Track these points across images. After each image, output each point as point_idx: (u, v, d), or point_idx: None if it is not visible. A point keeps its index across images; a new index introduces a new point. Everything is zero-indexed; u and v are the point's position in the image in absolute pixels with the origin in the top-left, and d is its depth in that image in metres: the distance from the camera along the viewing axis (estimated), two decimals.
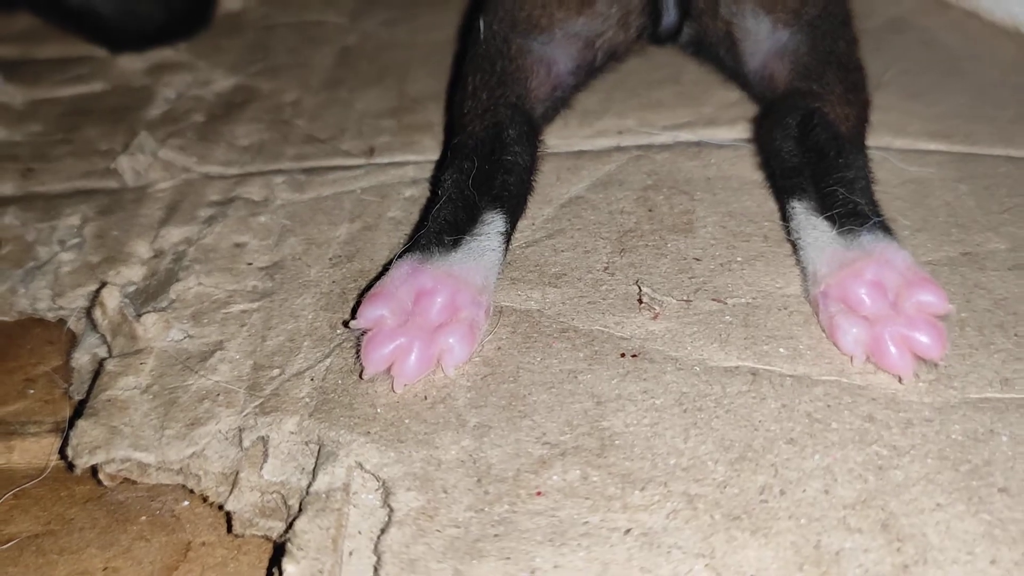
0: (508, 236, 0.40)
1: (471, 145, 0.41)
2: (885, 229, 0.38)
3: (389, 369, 0.36)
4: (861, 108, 0.44)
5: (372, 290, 0.37)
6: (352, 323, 0.36)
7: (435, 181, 0.43)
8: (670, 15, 0.48)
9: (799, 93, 0.44)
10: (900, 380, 0.36)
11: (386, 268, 0.39)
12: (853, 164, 0.41)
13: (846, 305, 0.37)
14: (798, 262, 0.40)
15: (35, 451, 0.39)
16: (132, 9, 0.61)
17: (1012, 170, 0.47)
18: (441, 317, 0.36)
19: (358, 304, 0.37)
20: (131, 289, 0.44)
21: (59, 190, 0.51)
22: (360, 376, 0.36)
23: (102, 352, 0.41)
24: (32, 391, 0.42)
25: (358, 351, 0.36)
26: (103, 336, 0.41)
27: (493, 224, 0.39)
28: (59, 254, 0.46)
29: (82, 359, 0.42)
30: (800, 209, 0.40)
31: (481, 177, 0.39)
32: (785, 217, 0.42)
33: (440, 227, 0.38)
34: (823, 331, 0.38)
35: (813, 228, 0.39)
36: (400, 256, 0.38)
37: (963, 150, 0.49)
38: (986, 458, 0.33)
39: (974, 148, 0.49)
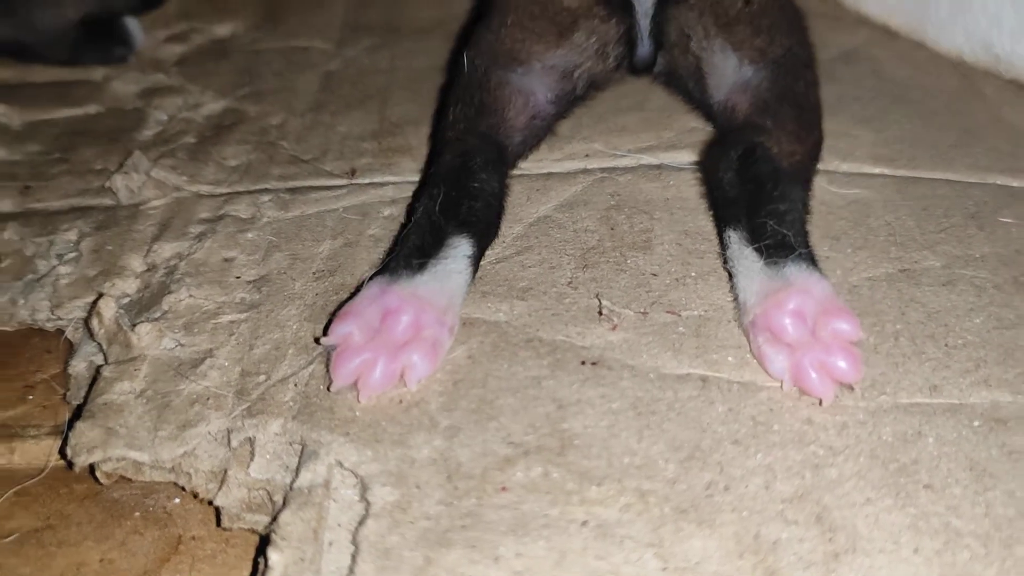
0: (476, 259, 0.42)
1: (441, 173, 0.44)
2: (809, 260, 0.41)
3: (356, 382, 0.38)
4: (811, 146, 0.47)
5: (342, 309, 0.40)
6: (323, 339, 0.39)
7: (411, 207, 0.46)
8: (644, 46, 0.51)
9: (753, 127, 0.47)
10: (820, 403, 0.38)
11: (361, 287, 0.42)
12: (788, 197, 0.43)
13: (771, 334, 0.39)
14: (732, 290, 0.43)
15: (35, 452, 0.42)
16: None
17: (950, 192, 0.51)
18: (406, 335, 0.39)
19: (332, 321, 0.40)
20: (125, 301, 0.46)
21: (56, 207, 0.53)
22: (328, 389, 0.39)
23: (98, 360, 0.44)
24: (31, 397, 0.45)
25: (328, 365, 0.39)
26: (99, 345, 0.44)
27: (459, 248, 0.42)
28: (57, 267, 0.48)
29: (79, 367, 0.44)
30: (734, 239, 0.43)
31: (448, 203, 0.42)
32: (722, 246, 0.44)
33: (409, 251, 0.41)
34: (755, 358, 0.41)
35: (744, 258, 0.42)
36: (371, 278, 0.41)
37: (905, 173, 0.52)
38: (913, 457, 0.36)
39: (916, 172, 0.52)
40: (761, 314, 0.40)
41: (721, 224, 0.45)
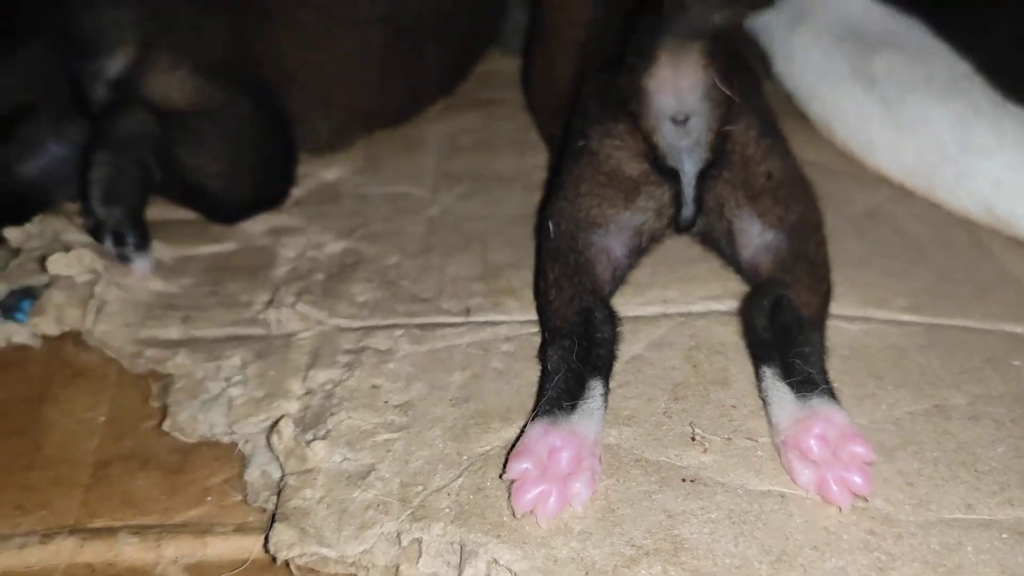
0: (606, 395, 0.52)
1: (567, 329, 0.54)
2: (830, 394, 0.51)
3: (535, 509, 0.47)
4: (823, 296, 0.58)
5: (516, 448, 0.49)
6: (504, 476, 0.48)
7: (543, 356, 0.55)
8: (688, 209, 0.61)
9: (776, 281, 0.57)
10: (840, 510, 0.48)
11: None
12: (810, 341, 0.54)
13: (799, 452, 0.49)
14: (766, 414, 0.53)
15: (223, 548, 0.50)
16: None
17: (969, 339, 0.61)
18: (569, 468, 0.48)
19: (501, 456, 0.50)
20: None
21: (215, 335, 0.63)
22: (514, 515, 0.47)
23: (270, 469, 0.53)
24: (210, 499, 0.53)
25: (510, 494, 0.48)
26: (277, 457, 0.53)
27: (596, 389, 0.51)
28: (228, 389, 0.58)
29: (254, 474, 0.53)
30: (769, 374, 0.53)
31: (582, 353, 0.52)
32: (758, 377, 0.55)
33: (559, 395, 0.51)
34: (784, 469, 0.50)
35: (778, 390, 0.52)
36: (533, 419, 0.50)
37: (931, 321, 0.62)
38: (957, 563, 0.45)
39: (939, 320, 0.63)
40: (792, 436, 0.50)
41: (757, 360, 0.56)
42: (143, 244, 0.68)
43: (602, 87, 0.61)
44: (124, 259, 0.67)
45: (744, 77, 0.61)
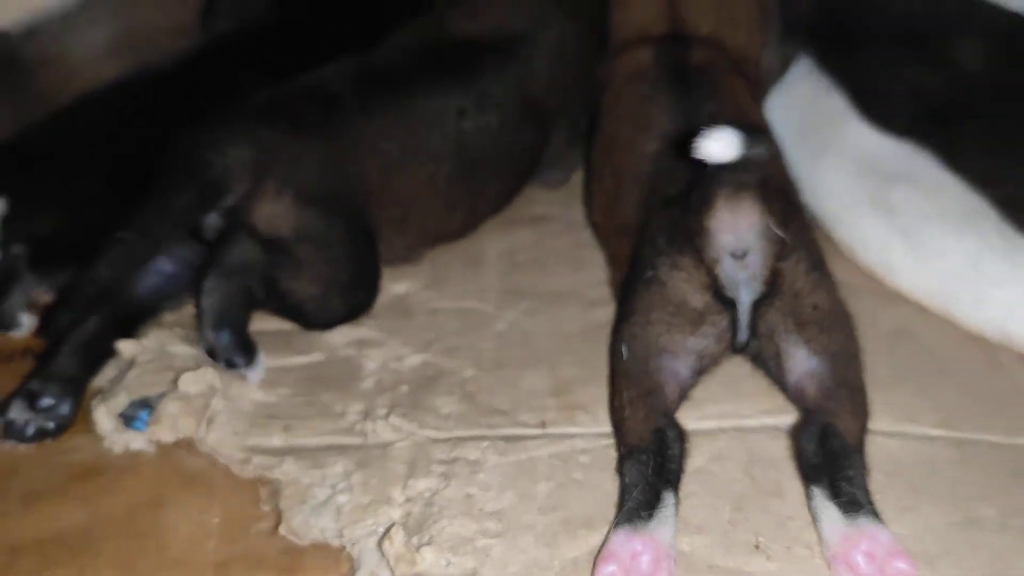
0: (677, 504, 0.60)
1: (643, 447, 0.62)
2: (874, 513, 0.59)
3: None
4: (863, 421, 0.65)
5: (602, 553, 0.56)
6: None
7: (621, 470, 0.63)
8: (743, 334, 0.69)
9: (821, 408, 0.65)
10: None
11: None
12: (854, 465, 0.61)
13: (848, 565, 0.56)
14: (816, 530, 0.60)
15: None
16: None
17: (992, 453, 0.68)
18: (650, 569, 0.55)
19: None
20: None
21: (316, 444, 0.70)
22: None
23: (379, 570, 0.59)
24: None
25: None
26: (387, 561, 0.59)
27: (668, 499, 0.59)
28: (334, 496, 0.64)
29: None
30: (818, 494, 0.60)
31: (657, 468, 0.60)
32: (807, 495, 0.62)
33: (638, 505, 0.58)
34: None
35: (827, 509, 0.59)
36: (615, 527, 0.58)
37: (958, 436, 0.70)
38: None
39: (965, 435, 0.70)
40: (841, 551, 0.57)
41: (807, 480, 0.63)
42: (251, 361, 0.75)
43: (669, 223, 0.69)
44: (238, 372, 0.75)
45: (797, 217, 0.69)
